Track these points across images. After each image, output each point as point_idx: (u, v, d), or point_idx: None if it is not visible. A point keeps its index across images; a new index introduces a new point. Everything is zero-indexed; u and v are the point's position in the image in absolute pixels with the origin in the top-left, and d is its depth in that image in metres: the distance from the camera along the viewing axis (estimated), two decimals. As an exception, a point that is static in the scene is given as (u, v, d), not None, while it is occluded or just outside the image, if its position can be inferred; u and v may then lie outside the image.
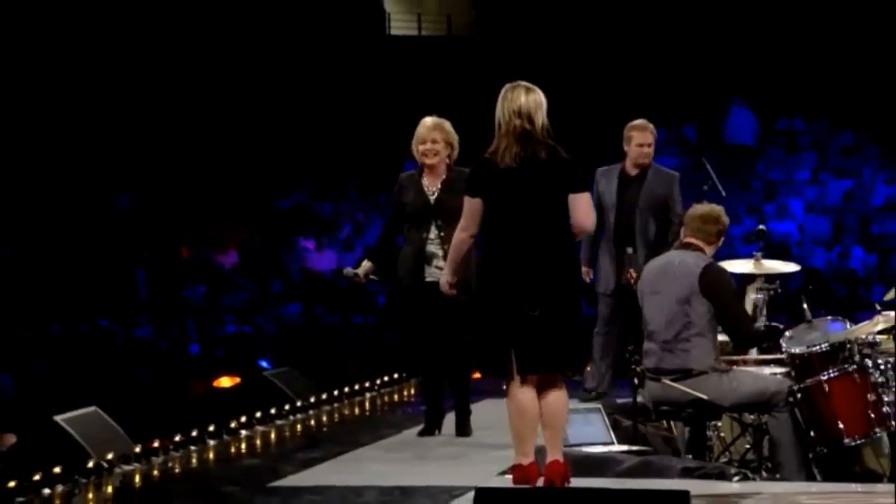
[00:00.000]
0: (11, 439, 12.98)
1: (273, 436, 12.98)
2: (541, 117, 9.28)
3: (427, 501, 9.47)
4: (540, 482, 9.33)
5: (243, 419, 12.71)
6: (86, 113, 23.63)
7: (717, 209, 10.97)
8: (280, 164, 22.45)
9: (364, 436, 12.57)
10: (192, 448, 11.68)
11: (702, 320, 10.36)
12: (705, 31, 24.90)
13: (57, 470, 10.18)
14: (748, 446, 11.59)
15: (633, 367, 11.23)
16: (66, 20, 24.21)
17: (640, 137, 13.33)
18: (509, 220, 9.23)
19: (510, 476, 9.80)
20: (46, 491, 9.91)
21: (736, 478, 10.09)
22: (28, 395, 16.37)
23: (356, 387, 14.46)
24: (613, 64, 24.47)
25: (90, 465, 10.39)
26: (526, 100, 9.25)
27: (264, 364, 17.58)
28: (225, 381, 17.00)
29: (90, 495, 9.98)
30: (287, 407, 13.27)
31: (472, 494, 9.08)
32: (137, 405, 15.18)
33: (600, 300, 13.94)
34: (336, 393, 14.10)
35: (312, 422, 13.58)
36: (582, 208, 9.33)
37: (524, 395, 9.18)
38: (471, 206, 9.34)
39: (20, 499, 9.79)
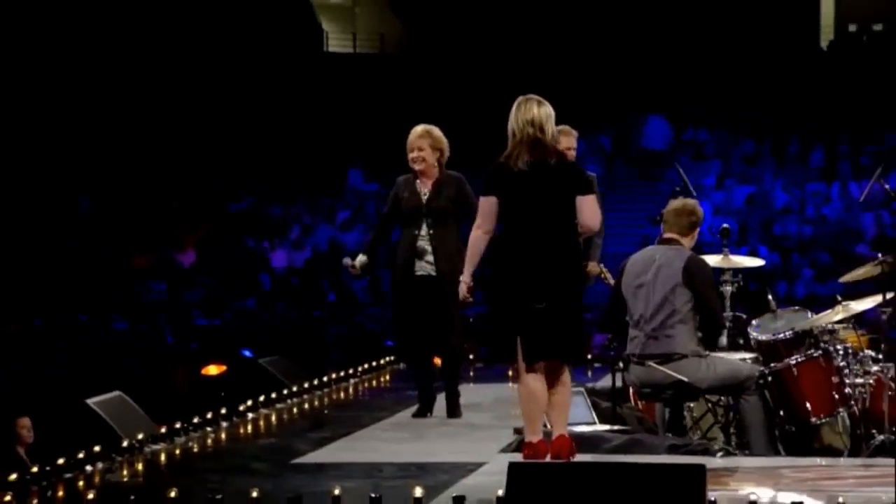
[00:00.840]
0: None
1: (277, 418, 13.10)
2: (550, 127, 9.72)
3: (444, 476, 9.69)
4: (547, 457, 9.71)
5: (249, 403, 12.79)
6: (54, 122, 23.61)
7: (691, 203, 11.47)
8: (232, 171, 22.67)
9: (363, 417, 12.82)
10: (209, 429, 11.82)
11: (684, 308, 10.72)
12: (619, 48, 25.35)
13: (96, 448, 10.21)
14: (715, 425, 11.80)
15: (612, 353, 11.81)
16: (25, 33, 24.18)
17: (566, 141, 12.96)
18: (520, 219, 9.64)
19: (520, 453, 10.13)
20: (88, 468, 10.00)
21: (720, 454, 10.58)
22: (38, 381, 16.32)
23: (342, 373, 14.59)
24: (534, 78, 24.10)
25: (125, 444, 10.55)
26: (538, 111, 9.68)
27: (247, 353, 17.67)
28: (212, 369, 16.86)
29: (124, 472, 10.05)
30: (284, 392, 13.32)
31: (484, 469, 10.02)
32: (138, 391, 14.61)
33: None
34: (325, 379, 14.14)
35: (306, 406, 13.61)
36: (588, 209, 9.74)
37: (533, 381, 9.57)
38: (486, 205, 9.72)
39: (67, 475, 9.87)
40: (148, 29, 24.31)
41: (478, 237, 9.88)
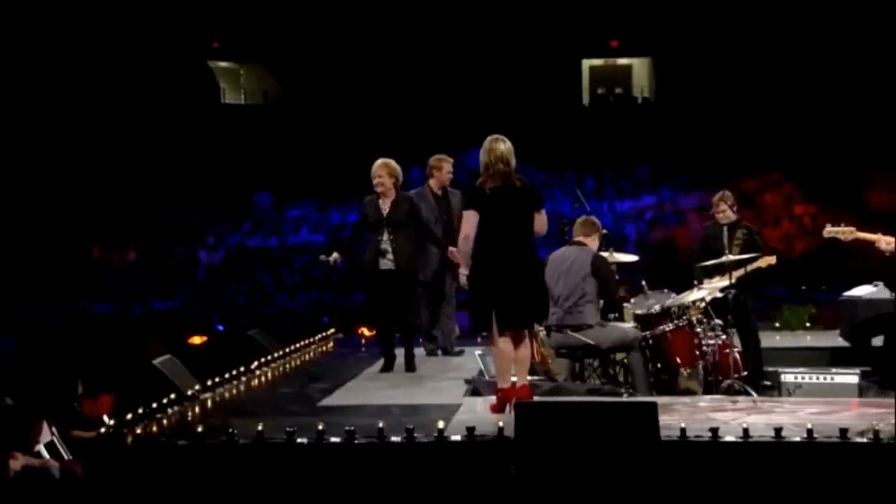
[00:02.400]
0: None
1: (279, 374, 12.77)
2: (513, 160, 9.78)
3: (439, 412, 9.49)
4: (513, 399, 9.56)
5: (255, 364, 12.54)
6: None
7: (593, 217, 11.73)
8: (163, 192, 22.44)
9: (342, 373, 12.55)
10: (235, 382, 11.61)
11: (592, 291, 11.00)
12: (450, 98, 24.69)
13: (171, 397, 10.22)
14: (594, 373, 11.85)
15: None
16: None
17: (448, 167, 13.23)
18: (494, 228, 9.64)
19: (480, 396, 10.72)
20: (171, 410, 9.96)
21: (625, 395, 10.79)
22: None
23: (305, 342, 14.35)
24: (378, 119, 24.11)
25: (189, 393, 10.51)
26: (504, 148, 9.81)
27: (220, 328, 17.45)
28: (196, 339, 16.27)
29: (190, 413, 9.99)
30: (270, 357, 12.97)
31: (465, 408, 10.08)
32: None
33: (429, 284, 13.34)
34: (296, 346, 13.90)
35: (289, 367, 13.17)
36: (540, 221, 9.82)
37: (505, 344, 9.68)
38: (469, 218, 9.74)
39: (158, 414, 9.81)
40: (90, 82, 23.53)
41: (465, 242, 9.90)
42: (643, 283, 12.67)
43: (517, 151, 19.12)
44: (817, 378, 11.18)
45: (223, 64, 26.16)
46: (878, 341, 12.03)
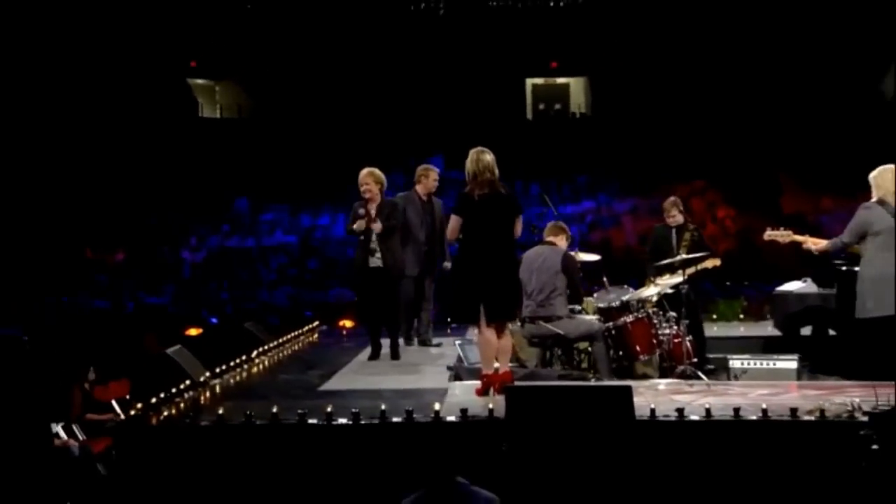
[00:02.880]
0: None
1: (276, 362, 12.60)
2: (496, 169, 9.85)
3: (430, 396, 9.70)
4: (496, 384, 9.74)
5: (255, 352, 12.49)
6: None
7: (560, 223, 11.81)
8: (147, 198, 22.18)
9: (333, 361, 12.48)
10: (237, 370, 11.53)
11: (561, 286, 11.01)
12: (410, 110, 24.78)
13: (186, 383, 10.26)
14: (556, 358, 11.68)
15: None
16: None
17: (434, 175, 13.08)
18: (480, 231, 9.77)
19: (463, 380, 10.78)
20: (187, 395, 9.98)
21: (592, 379, 10.79)
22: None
23: (294, 333, 14.26)
24: (344, 131, 24.23)
25: (201, 379, 10.55)
26: (489, 159, 9.87)
27: (214, 321, 17.24)
28: (192, 331, 16.01)
29: (203, 398, 10.01)
30: (265, 347, 12.85)
31: (452, 392, 10.11)
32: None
33: (412, 281, 13.16)
34: (287, 337, 13.83)
35: (283, 355, 13.04)
36: (519, 225, 9.94)
37: (490, 334, 9.75)
38: (455, 222, 9.90)
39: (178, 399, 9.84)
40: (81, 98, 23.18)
41: (450, 241, 10.34)
42: (604, 279, 12.69)
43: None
44: (760, 363, 11.24)
45: (200, 81, 25.91)
46: (806, 331, 12.11)
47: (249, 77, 26.06)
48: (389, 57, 25.18)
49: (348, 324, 15.89)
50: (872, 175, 10.93)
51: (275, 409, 8.75)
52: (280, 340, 13.59)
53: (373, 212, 12.06)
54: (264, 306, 18.62)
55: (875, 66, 25.18)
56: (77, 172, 21.98)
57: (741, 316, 15.02)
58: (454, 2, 26.18)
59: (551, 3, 26.15)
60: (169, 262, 21.15)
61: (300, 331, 14.57)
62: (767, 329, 13.98)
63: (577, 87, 27.01)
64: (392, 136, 23.67)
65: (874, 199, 10.75)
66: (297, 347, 13.78)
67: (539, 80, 26.80)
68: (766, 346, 12.65)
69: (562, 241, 11.52)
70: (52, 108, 22.52)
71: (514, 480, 7.73)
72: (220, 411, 8.83)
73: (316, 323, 15.35)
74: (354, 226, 12.26)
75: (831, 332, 11.88)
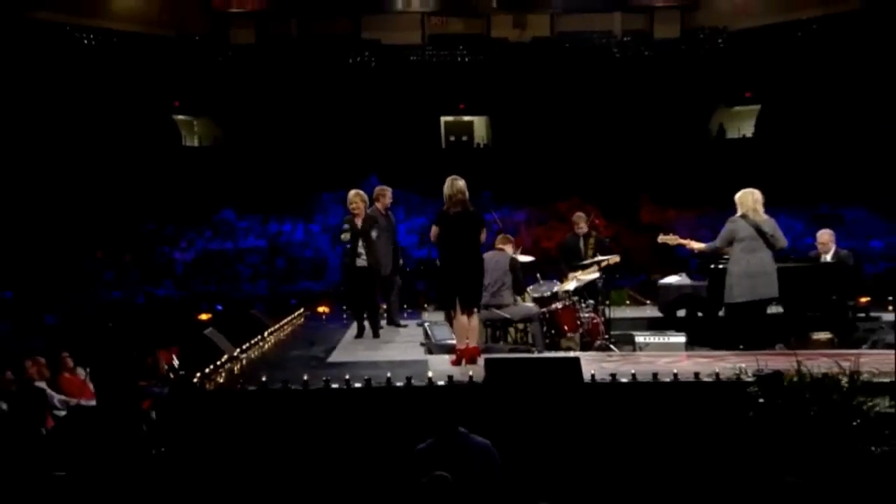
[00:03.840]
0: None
1: (283, 341, 12.29)
2: (467, 192, 9.93)
3: (415, 366, 9.61)
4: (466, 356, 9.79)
5: (266, 332, 12.12)
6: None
7: (509, 236, 11.76)
8: (144, 210, 21.91)
9: (328, 339, 12.21)
10: (256, 347, 11.15)
11: (508, 282, 11.05)
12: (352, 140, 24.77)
13: (223, 359, 9.94)
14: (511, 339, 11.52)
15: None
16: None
17: (389, 194, 12.83)
18: (456, 241, 9.86)
19: (438, 354, 10.71)
20: (226, 367, 9.73)
21: (536, 352, 10.80)
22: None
23: (288, 318, 13.94)
24: (306, 156, 24.17)
25: (235, 353, 10.36)
26: (461, 184, 9.94)
27: (219, 308, 16.74)
28: (203, 316, 15.37)
29: (238, 369, 9.81)
30: (270, 329, 12.39)
31: (433, 364, 9.72)
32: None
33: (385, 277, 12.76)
34: (284, 321, 13.45)
35: (283, 335, 12.67)
36: (483, 234, 10.00)
37: (463, 318, 9.82)
38: (435, 229, 9.97)
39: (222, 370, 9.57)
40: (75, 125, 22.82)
41: (435, 235, 10.00)
42: (538, 275, 12.70)
43: (398, 182, 19.22)
44: (658, 338, 11.26)
45: (182, 117, 25.53)
46: (681, 313, 12.23)
47: (222, 114, 25.80)
48: (334, 98, 25.15)
49: (325, 309, 15.66)
50: (737, 196, 11.01)
51: (305, 377, 8.71)
52: (280, 324, 13.25)
53: (359, 223, 12.04)
54: (249, 297, 18.40)
55: (704, 111, 25.68)
56: (89, 191, 21.65)
57: (627, 301, 15.05)
58: (383, 57, 26.27)
59: (458, 59, 26.46)
60: (164, 262, 20.87)
61: (292, 316, 14.31)
62: (648, 312, 13.94)
63: (479, 123, 27.05)
64: (336, 160, 23.52)
65: (738, 214, 10.86)
66: (291, 329, 13.45)
67: (450, 118, 26.81)
68: (651, 325, 12.51)
69: (509, 248, 11.56)
70: (72, 143, 22.16)
71: (497, 428, 7.49)
72: (263, 378, 8.76)
73: (301, 309, 15.11)
74: (342, 236, 12.19)
75: (700, 315, 11.91)
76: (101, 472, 7.09)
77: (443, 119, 26.57)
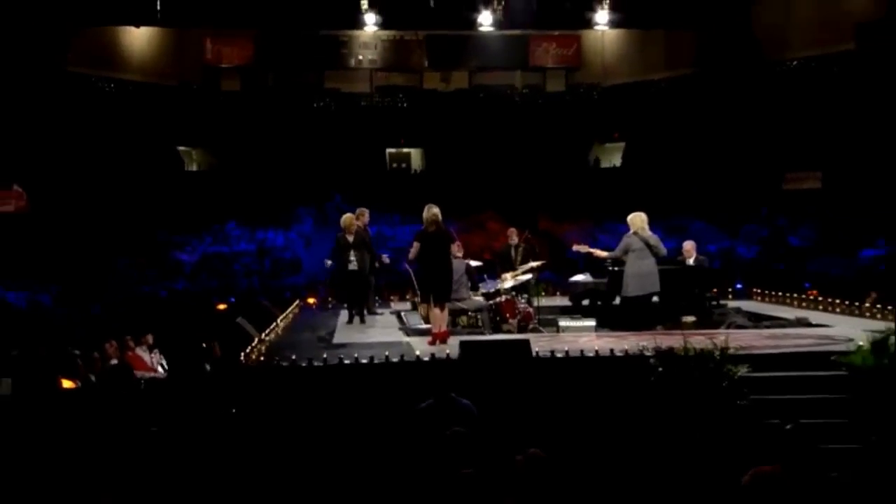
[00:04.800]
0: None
1: (289, 325, 12.21)
2: (440, 215, 9.93)
3: (401, 347, 9.41)
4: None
5: (279, 320, 11.97)
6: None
7: (459, 243, 11.53)
8: (157, 222, 21.35)
9: (327, 324, 12.07)
10: (273, 332, 10.98)
11: (465, 281, 11.30)
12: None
13: (255, 340, 9.83)
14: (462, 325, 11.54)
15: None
16: None
17: (367, 214, 12.70)
18: (432, 253, 9.91)
19: (418, 336, 10.52)
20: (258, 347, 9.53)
21: (488, 334, 10.90)
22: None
23: (289, 308, 13.75)
24: (280, 179, 23.46)
25: (261, 337, 10.26)
26: (436, 211, 9.93)
27: (232, 300, 16.24)
28: (221, 306, 15.25)
29: (262, 349, 9.58)
30: (279, 317, 12.35)
31: (414, 344, 9.53)
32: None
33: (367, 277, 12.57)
34: (287, 311, 13.29)
35: (288, 322, 12.52)
36: (453, 247, 10.34)
37: (436, 310, 9.95)
38: (415, 246, 9.94)
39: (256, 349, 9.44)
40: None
41: (411, 260, 10.28)
42: (485, 276, 12.73)
43: (354, 199, 19.14)
44: (575, 323, 11.32)
45: (183, 148, 25.13)
46: (585, 302, 12.29)
47: (215, 146, 25.29)
48: (304, 133, 24.87)
49: (313, 300, 15.59)
50: (629, 217, 11.28)
51: (325, 356, 8.72)
52: (285, 313, 13.07)
53: (350, 238, 11.98)
54: (248, 290, 18.29)
55: (583, 147, 25.58)
56: (113, 206, 21.18)
57: (543, 293, 14.83)
58: (341, 102, 26.20)
59: (399, 105, 26.59)
60: (174, 263, 20.63)
61: (291, 306, 14.04)
62: (558, 301, 13.99)
63: (415, 154, 26.79)
64: (307, 182, 23.38)
65: (631, 231, 11.17)
66: (292, 317, 13.27)
67: (393, 150, 26.50)
68: (563, 312, 12.55)
69: (459, 253, 11.56)
70: (100, 169, 21.64)
71: (471, 393, 7.13)
72: (293, 356, 8.66)
73: (297, 301, 14.86)
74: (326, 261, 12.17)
75: (599, 303, 12.07)
76: (186, 427, 7.08)
77: (387, 150, 26.31)
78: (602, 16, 20.98)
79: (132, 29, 23.34)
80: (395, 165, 26.64)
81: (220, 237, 21.91)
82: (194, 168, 25.18)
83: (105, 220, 20.41)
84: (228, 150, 24.83)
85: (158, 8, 21.94)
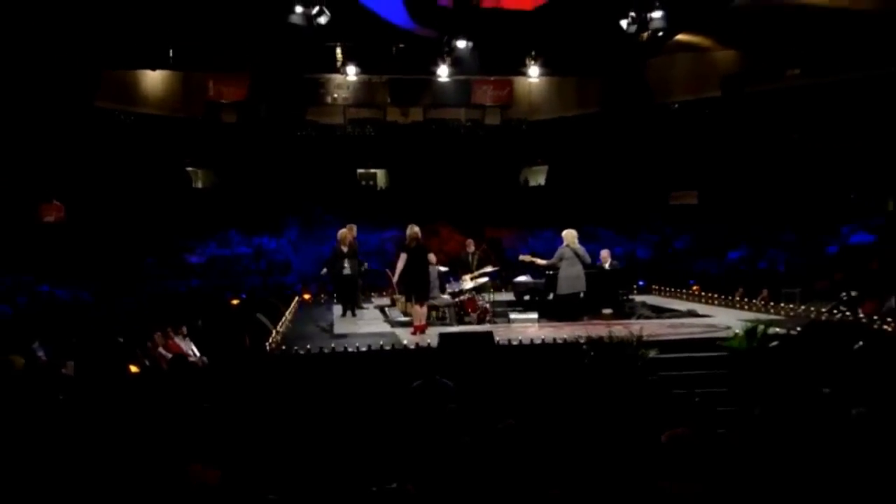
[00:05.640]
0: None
1: (292, 320, 11.81)
2: (420, 233, 9.97)
3: (392, 338, 9.29)
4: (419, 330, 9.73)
5: (287, 313, 11.70)
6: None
7: (432, 254, 11.22)
8: (175, 230, 20.56)
9: (323, 318, 11.80)
10: (283, 324, 10.77)
11: (437, 284, 11.30)
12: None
13: (274, 332, 9.85)
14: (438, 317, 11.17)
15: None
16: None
17: (355, 229, 12.46)
18: (413, 263, 9.95)
19: (411, 328, 10.15)
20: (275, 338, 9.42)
21: (454, 326, 10.74)
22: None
23: (292, 304, 13.44)
24: (270, 195, 22.68)
25: (278, 328, 10.27)
26: (416, 230, 10.05)
27: (244, 296, 15.70)
28: (234, 301, 14.77)
29: (277, 340, 9.38)
30: (285, 312, 12.03)
31: (400, 335, 9.56)
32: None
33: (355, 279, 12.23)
34: (290, 307, 12.95)
35: (292, 316, 12.13)
36: (430, 257, 10.30)
37: (416, 307, 10.01)
38: (401, 258, 9.93)
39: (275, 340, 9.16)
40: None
41: (398, 267, 10.11)
42: (451, 278, 12.45)
43: (330, 210, 18.88)
44: (522, 315, 11.26)
45: (191, 168, 24.49)
46: (527, 297, 12.21)
47: (218, 167, 24.67)
48: (290, 158, 24.33)
49: (308, 297, 15.39)
50: (563, 233, 11.43)
51: (332, 345, 8.73)
52: (290, 308, 12.82)
53: (345, 249, 11.85)
54: (252, 288, 17.92)
55: (515, 169, 25.29)
56: (135, 217, 20.64)
57: (491, 290, 14.10)
58: (320, 132, 25.71)
59: (367, 134, 26.26)
60: (186, 264, 20.18)
61: (293, 302, 13.76)
62: (503, 296, 13.50)
63: (381, 174, 26.46)
64: (293, 197, 22.98)
65: (565, 244, 11.36)
66: (294, 312, 12.86)
67: (363, 170, 26.18)
68: (509, 306, 12.32)
69: (433, 259, 11.33)
70: (123, 188, 20.91)
71: (449, 374, 7.48)
72: (308, 346, 8.62)
73: (296, 297, 14.60)
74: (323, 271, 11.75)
75: (537, 299, 12.02)
76: (229, 404, 6.99)
77: (358, 171, 25.97)
78: (529, 66, 21.34)
79: (149, 71, 22.84)
80: (364, 183, 26.37)
81: (223, 242, 21.52)
82: (200, 185, 24.63)
83: (128, 228, 20.02)
84: (228, 171, 24.35)
85: (170, 54, 21.80)
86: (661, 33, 14.28)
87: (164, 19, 18.42)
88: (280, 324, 10.72)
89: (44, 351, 8.94)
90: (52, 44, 18.05)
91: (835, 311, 10.22)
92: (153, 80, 23.56)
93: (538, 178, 26.11)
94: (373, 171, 26.32)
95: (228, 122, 24.65)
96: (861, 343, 7.84)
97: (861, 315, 9.65)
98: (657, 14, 12.47)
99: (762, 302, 11.93)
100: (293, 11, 12.66)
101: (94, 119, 21.49)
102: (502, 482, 4.37)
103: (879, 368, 7.24)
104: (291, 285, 17.29)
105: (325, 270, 12.14)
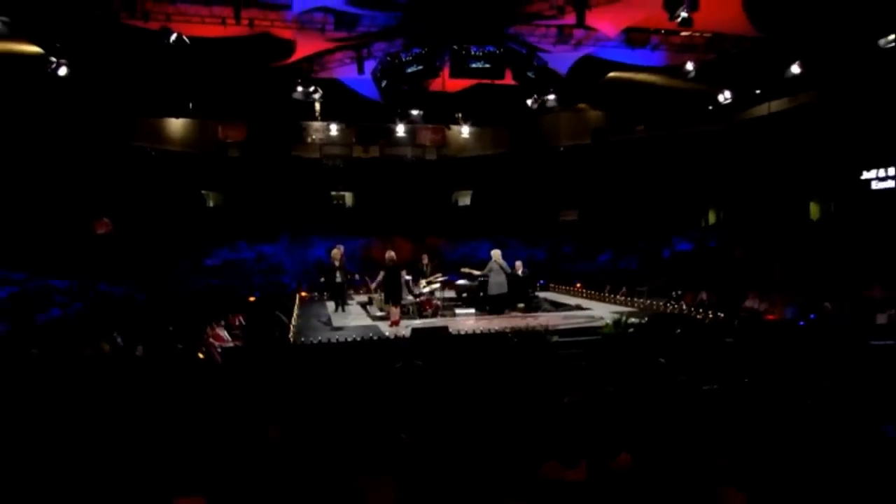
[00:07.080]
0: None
1: (301, 312, 11.48)
2: (395, 256, 9.86)
3: (375, 329, 9.02)
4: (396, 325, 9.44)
5: (296, 310, 11.52)
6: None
7: (404, 269, 10.50)
8: (194, 242, 19.99)
9: (320, 312, 11.37)
10: (295, 317, 10.25)
11: (406, 288, 10.73)
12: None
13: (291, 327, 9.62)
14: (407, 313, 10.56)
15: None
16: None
17: (343, 248, 11.76)
18: (390, 278, 9.98)
19: (388, 322, 9.88)
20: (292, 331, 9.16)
21: (417, 319, 10.53)
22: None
23: (296, 300, 13.06)
24: (263, 213, 21.78)
25: (292, 323, 9.87)
26: (392, 254, 9.92)
27: (258, 294, 15.13)
28: (251, 298, 13.90)
29: (296, 331, 9.14)
30: (294, 308, 11.72)
31: (383, 328, 9.21)
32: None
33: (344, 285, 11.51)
34: (296, 300, 12.59)
35: (297, 311, 11.55)
36: (404, 273, 10.07)
37: (393, 307, 9.92)
38: (381, 274, 9.95)
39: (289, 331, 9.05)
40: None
41: (383, 276, 10.02)
42: (411, 283, 12.07)
43: (309, 226, 18.78)
44: (464, 311, 11.25)
45: (205, 191, 23.65)
46: (464, 295, 11.96)
47: (226, 190, 23.76)
48: (281, 184, 23.84)
49: (305, 294, 14.99)
50: (491, 252, 11.53)
51: (337, 335, 8.66)
52: (296, 306, 12.37)
53: (337, 264, 11.68)
54: (261, 287, 17.55)
55: (448, 193, 25.28)
56: (164, 231, 19.98)
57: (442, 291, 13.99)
58: (302, 164, 24.99)
59: (338, 166, 26.12)
60: (203, 266, 19.65)
61: (297, 300, 13.45)
62: (447, 294, 13.05)
63: (349, 196, 25.94)
64: (284, 214, 22.56)
65: (493, 259, 11.46)
66: (298, 307, 12.34)
67: (335, 193, 25.62)
68: (451, 301, 12.01)
69: (404, 273, 10.88)
70: (150, 211, 20.05)
71: (420, 357, 7.22)
72: (320, 337, 8.54)
73: (298, 296, 14.34)
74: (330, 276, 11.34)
75: (472, 298, 11.83)
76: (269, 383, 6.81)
77: (331, 193, 25.45)
78: (457, 119, 21.87)
79: (173, 119, 22.31)
80: (336, 203, 25.96)
81: (233, 249, 21.13)
82: (212, 204, 23.90)
83: (160, 238, 19.53)
84: (234, 194, 23.71)
85: (190, 106, 21.42)
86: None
87: (186, 80, 18.06)
88: (293, 319, 10.45)
89: (121, 339, 8.75)
90: (101, 98, 17.93)
91: (668, 305, 10.56)
92: (176, 125, 23.10)
93: (465, 199, 26.47)
94: (342, 193, 25.98)
95: (233, 157, 24.10)
96: (679, 330, 8.15)
97: (683, 307, 9.99)
98: (551, 97, 13.33)
99: (623, 297, 12.16)
100: (295, 90, 12.66)
101: (132, 155, 21.14)
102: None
103: (694, 346, 7.51)
104: (287, 284, 17.19)
105: (323, 279, 12.14)
